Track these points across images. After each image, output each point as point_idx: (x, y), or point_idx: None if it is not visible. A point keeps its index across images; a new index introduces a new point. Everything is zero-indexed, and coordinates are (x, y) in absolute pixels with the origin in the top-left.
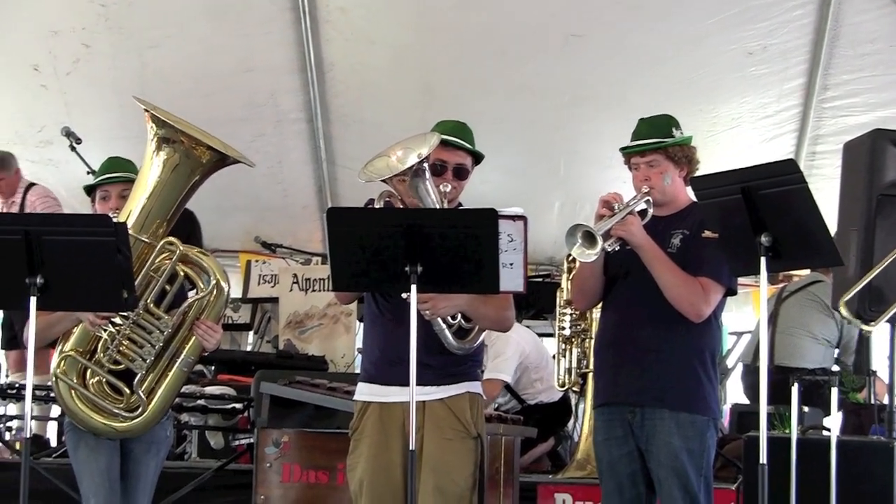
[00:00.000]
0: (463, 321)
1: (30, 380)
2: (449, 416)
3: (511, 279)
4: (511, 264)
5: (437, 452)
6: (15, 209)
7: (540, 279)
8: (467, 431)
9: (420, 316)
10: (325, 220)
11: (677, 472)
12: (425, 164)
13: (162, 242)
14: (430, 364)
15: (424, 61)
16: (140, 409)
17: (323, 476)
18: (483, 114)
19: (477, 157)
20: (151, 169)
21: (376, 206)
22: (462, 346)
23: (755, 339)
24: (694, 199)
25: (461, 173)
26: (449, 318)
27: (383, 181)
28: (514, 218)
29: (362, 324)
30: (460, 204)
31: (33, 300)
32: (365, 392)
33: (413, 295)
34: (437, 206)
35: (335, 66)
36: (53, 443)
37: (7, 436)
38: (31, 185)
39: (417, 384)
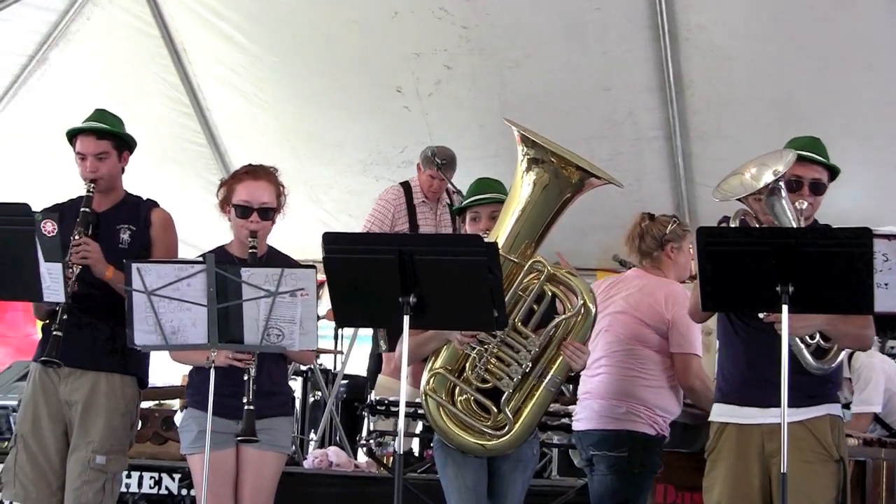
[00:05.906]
0: (821, 340)
1: (403, 396)
2: (809, 438)
3: (886, 299)
4: (886, 284)
5: (796, 475)
6: (446, 214)
7: None
8: (829, 454)
9: (778, 336)
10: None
11: None
12: (781, 182)
13: (530, 262)
14: (790, 385)
15: (784, 76)
16: (507, 428)
17: (698, 498)
18: (844, 129)
19: (833, 172)
20: (522, 189)
21: (731, 224)
22: (821, 366)
23: None
24: None
25: (818, 188)
26: (807, 337)
27: (739, 200)
28: (889, 237)
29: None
30: (816, 221)
31: (406, 318)
32: (722, 413)
33: (784, 316)
34: (794, 225)
35: (694, 83)
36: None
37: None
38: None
39: (776, 406)
